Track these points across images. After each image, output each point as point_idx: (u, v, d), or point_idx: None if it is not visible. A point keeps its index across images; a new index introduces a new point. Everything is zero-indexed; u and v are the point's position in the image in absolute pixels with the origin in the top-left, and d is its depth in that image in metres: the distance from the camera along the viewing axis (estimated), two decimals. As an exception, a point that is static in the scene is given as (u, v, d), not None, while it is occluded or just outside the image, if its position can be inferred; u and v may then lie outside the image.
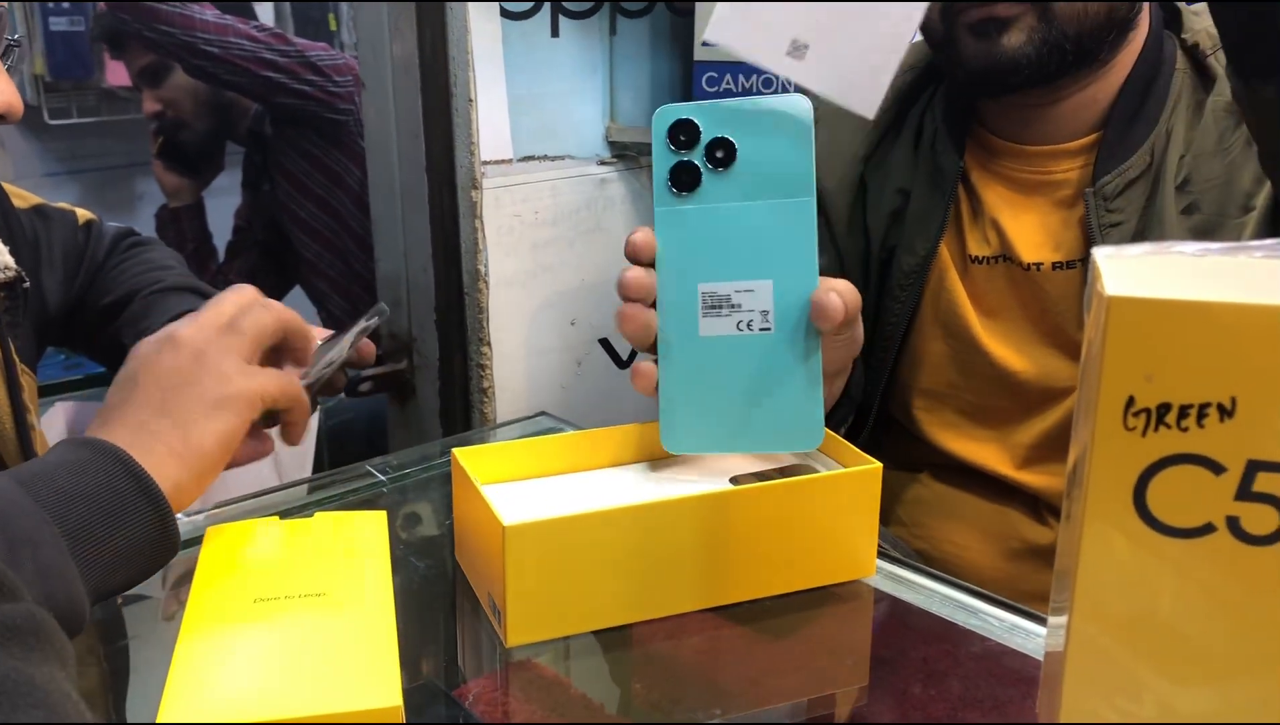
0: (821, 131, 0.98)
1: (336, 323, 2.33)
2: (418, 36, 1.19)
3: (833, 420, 0.78)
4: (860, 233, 1.01)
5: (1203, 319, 0.41)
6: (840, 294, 0.63)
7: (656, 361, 0.66)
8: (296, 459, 1.06)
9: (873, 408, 1.00)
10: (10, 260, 0.81)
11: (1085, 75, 0.87)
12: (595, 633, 0.62)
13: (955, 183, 0.93)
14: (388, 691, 0.51)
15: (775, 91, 1.27)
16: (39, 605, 0.45)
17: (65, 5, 2.51)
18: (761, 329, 0.65)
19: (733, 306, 0.65)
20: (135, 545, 0.55)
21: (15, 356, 0.83)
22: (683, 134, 0.65)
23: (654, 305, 0.66)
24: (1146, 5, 0.89)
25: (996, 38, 0.83)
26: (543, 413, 1.03)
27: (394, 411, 1.37)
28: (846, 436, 0.80)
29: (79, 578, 0.52)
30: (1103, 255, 0.46)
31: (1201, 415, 0.42)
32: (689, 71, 1.32)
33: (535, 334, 1.29)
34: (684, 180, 0.65)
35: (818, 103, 0.64)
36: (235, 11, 2.11)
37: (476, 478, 0.64)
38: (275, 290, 2.47)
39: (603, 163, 1.33)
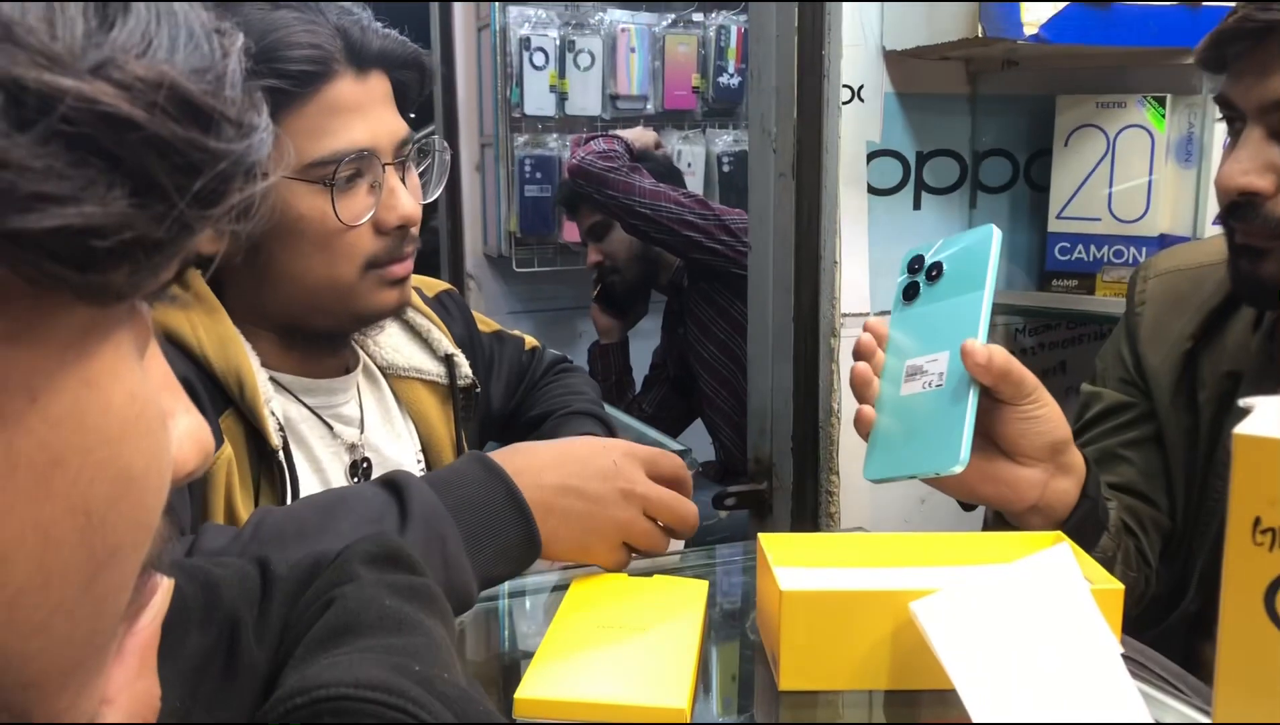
0: (1150, 311, 1.08)
1: (727, 453, 2.58)
2: (795, 208, 1.41)
3: (1084, 539, 0.87)
4: (1187, 410, 1.04)
5: (1315, 456, 0.51)
6: (989, 347, 0.81)
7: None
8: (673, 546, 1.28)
9: (1191, 582, 1.03)
10: (469, 372, 1.11)
11: None
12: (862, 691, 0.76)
13: None
14: (679, 696, 0.70)
15: (1124, 263, 1.36)
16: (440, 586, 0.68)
17: (538, 175, 3.05)
18: (935, 386, 0.83)
19: (923, 372, 0.84)
20: (508, 547, 0.79)
21: (466, 445, 1.12)
22: (915, 263, 0.88)
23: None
24: None
25: (1256, 263, 0.89)
26: (859, 527, 1.18)
27: (753, 526, 1.56)
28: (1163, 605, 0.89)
29: (470, 569, 0.75)
30: (1259, 400, 0.56)
31: (1319, 537, 0.51)
32: (1044, 240, 1.44)
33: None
34: (910, 293, 0.87)
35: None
36: (666, 179, 2.49)
37: (771, 557, 0.81)
38: (679, 421, 2.78)
39: (955, 320, 1.47)
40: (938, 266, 0.86)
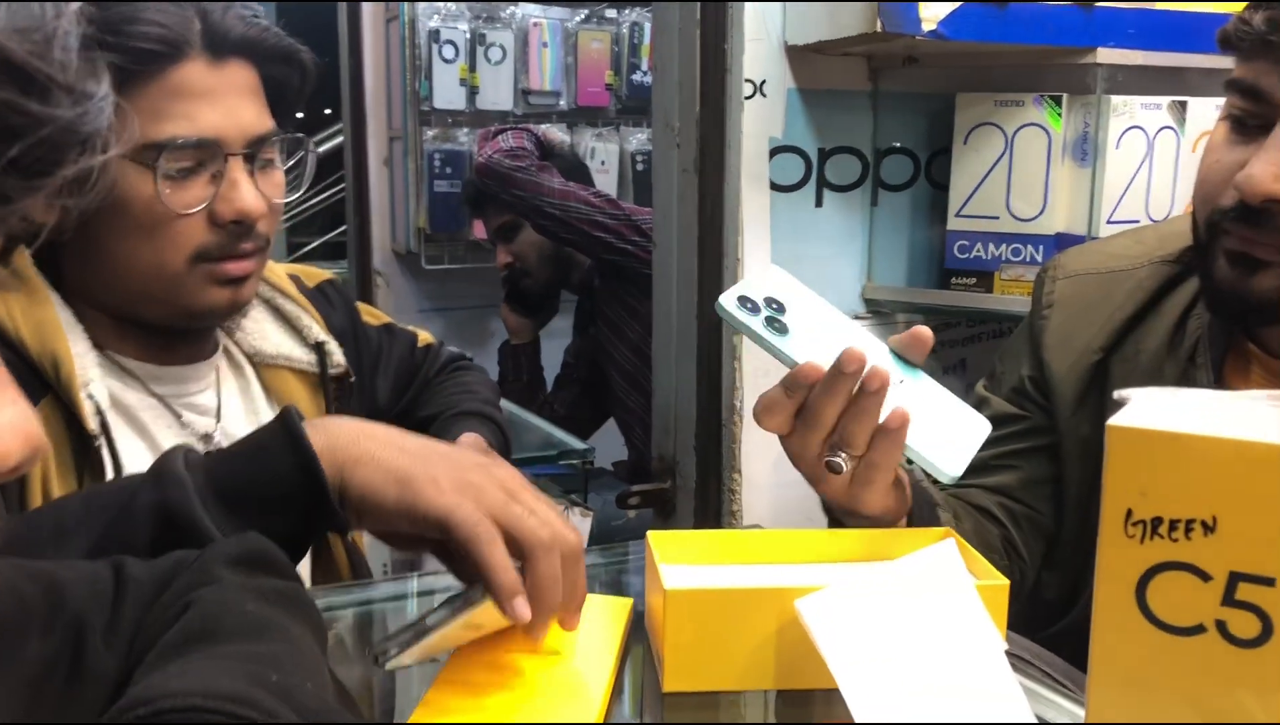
0: (1057, 315, 1.04)
1: (639, 453, 2.57)
2: (699, 203, 1.40)
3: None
4: (1094, 420, 1.01)
5: (1184, 448, 0.50)
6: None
7: None
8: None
9: (1085, 590, 1.02)
10: (342, 360, 1.07)
11: None
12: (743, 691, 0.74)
13: None
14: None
15: (1022, 261, 1.37)
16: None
17: (448, 170, 3.00)
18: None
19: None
20: (276, 482, 0.66)
21: None
22: (746, 303, 0.82)
23: None
24: None
25: (1249, 275, 0.82)
26: (757, 525, 1.17)
27: (657, 525, 1.54)
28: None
29: (208, 525, 0.63)
30: (1136, 392, 0.56)
31: (1189, 529, 0.51)
32: (943, 238, 1.44)
33: (784, 468, 1.43)
34: (777, 327, 0.81)
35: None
36: (576, 178, 2.46)
37: (658, 554, 0.79)
38: (591, 421, 2.76)
39: (858, 317, 1.47)
40: (774, 301, 0.81)
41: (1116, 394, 0.56)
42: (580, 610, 0.71)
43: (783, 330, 0.81)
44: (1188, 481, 0.50)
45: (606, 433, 2.75)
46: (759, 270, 0.85)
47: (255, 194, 0.91)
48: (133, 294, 0.92)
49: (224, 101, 0.89)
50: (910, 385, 0.82)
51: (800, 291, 0.84)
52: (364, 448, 0.67)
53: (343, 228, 3.34)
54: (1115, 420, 0.52)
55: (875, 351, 0.81)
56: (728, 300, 0.81)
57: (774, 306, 0.81)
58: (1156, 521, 0.51)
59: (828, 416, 0.78)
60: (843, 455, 0.80)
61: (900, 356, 0.83)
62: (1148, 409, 0.53)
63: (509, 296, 2.72)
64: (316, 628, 0.61)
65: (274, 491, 0.66)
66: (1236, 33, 0.83)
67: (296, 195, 0.98)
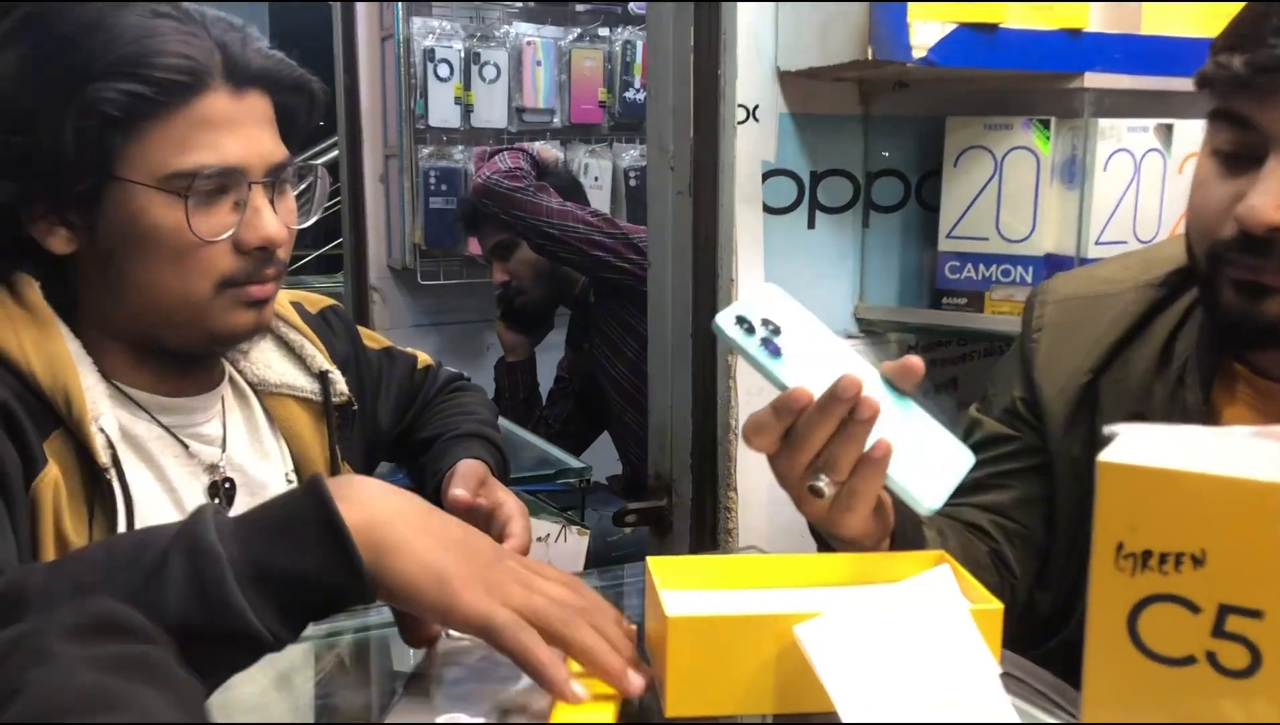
0: (1047, 338, 1.06)
1: (635, 468, 2.58)
2: (693, 225, 1.42)
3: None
4: (1084, 441, 1.02)
5: (1173, 484, 0.52)
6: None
7: None
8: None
9: (1076, 609, 1.04)
10: (345, 388, 1.09)
11: None
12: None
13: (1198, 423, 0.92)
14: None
15: (1012, 282, 1.39)
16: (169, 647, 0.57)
17: (443, 187, 3.02)
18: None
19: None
20: (307, 562, 0.65)
21: (341, 462, 1.09)
22: (742, 323, 0.83)
23: None
24: None
25: (1258, 301, 0.83)
26: (753, 546, 1.18)
27: (653, 542, 1.56)
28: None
29: (243, 603, 0.63)
30: (1124, 427, 0.57)
31: (1178, 562, 0.52)
32: (934, 259, 1.46)
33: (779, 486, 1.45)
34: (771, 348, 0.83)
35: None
36: (571, 195, 2.48)
37: (658, 580, 0.80)
38: (585, 435, 2.77)
39: (850, 337, 1.49)
40: (770, 322, 0.82)
41: (1106, 429, 0.57)
42: (633, 659, 0.73)
43: (777, 352, 0.82)
44: (1177, 516, 0.52)
45: (600, 447, 2.76)
46: (756, 288, 0.85)
47: (278, 221, 0.93)
48: (157, 321, 0.93)
49: (245, 130, 0.90)
50: (898, 413, 0.84)
51: (796, 312, 0.85)
52: (400, 534, 0.67)
53: (337, 241, 3.35)
54: (1105, 456, 0.53)
55: (866, 377, 0.83)
56: (724, 320, 0.82)
57: (769, 327, 0.83)
58: (1147, 555, 0.53)
59: (815, 441, 0.80)
60: (825, 480, 0.81)
61: (890, 384, 0.85)
62: (1137, 444, 0.55)
63: (504, 314, 2.73)
64: (180, 692, 0.55)
65: (309, 576, 0.66)
66: (1215, 75, 0.84)
67: (308, 222, 0.99)
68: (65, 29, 0.86)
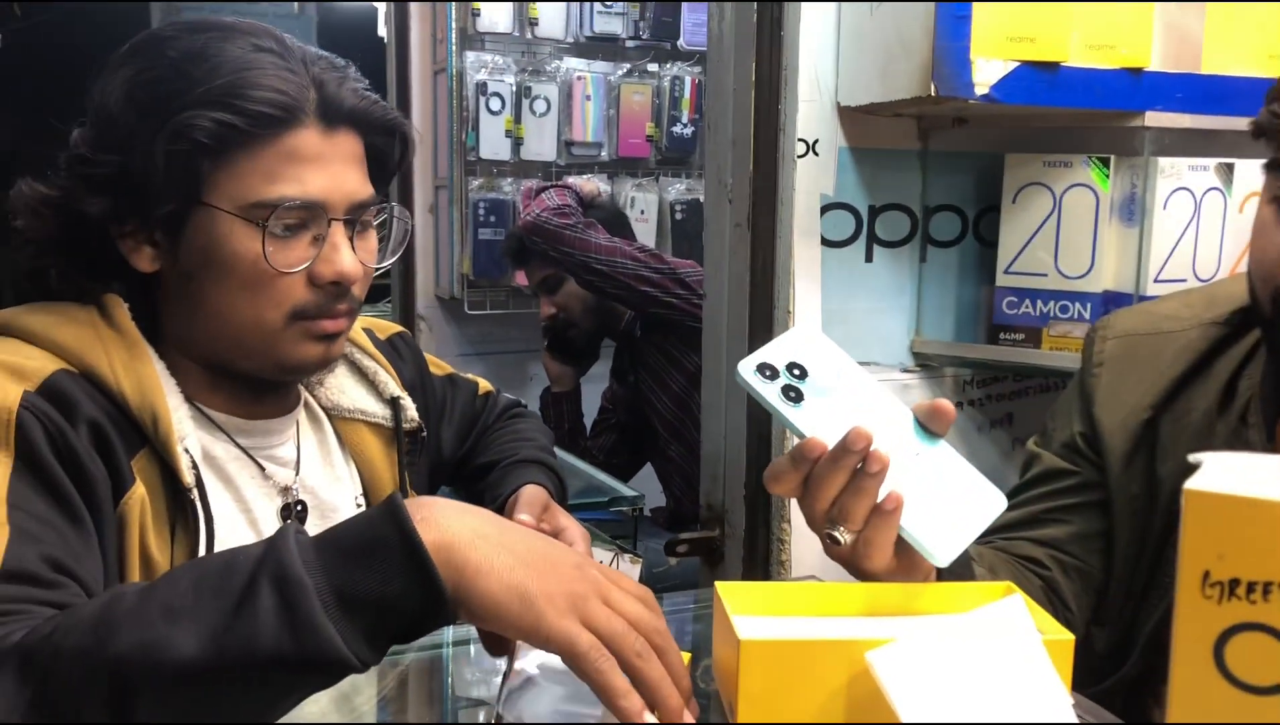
0: (1107, 374, 1.06)
1: (677, 500, 2.58)
2: (750, 257, 1.43)
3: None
4: (1143, 478, 1.03)
5: (1261, 513, 0.52)
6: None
7: None
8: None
9: (1136, 647, 1.03)
10: (415, 415, 1.10)
11: None
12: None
13: None
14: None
15: (1070, 318, 1.39)
16: None
17: (492, 219, 3.05)
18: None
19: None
20: (387, 587, 0.65)
21: (410, 488, 1.11)
22: (766, 371, 0.82)
23: None
24: None
25: None
26: (812, 576, 1.18)
27: (704, 573, 1.56)
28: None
29: (329, 628, 0.63)
30: (1210, 457, 0.58)
31: (1266, 591, 0.53)
32: (992, 295, 1.47)
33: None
34: (792, 395, 0.82)
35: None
36: (615, 227, 2.51)
37: (729, 605, 0.81)
38: (628, 467, 2.78)
39: (906, 371, 1.49)
40: (797, 366, 0.82)
41: (1191, 457, 0.58)
42: (688, 692, 0.73)
43: (798, 398, 0.81)
44: (1265, 544, 0.52)
45: (642, 479, 2.76)
46: (796, 329, 0.85)
47: (354, 258, 0.94)
48: (230, 346, 0.95)
49: (331, 167, 0.92)
50: (926, 458, 0.83)
51: (829, 354, 0.84)
52: (480, 554, 0.67)
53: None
54: (1192, 484, 0.54)
55: (899, 419, 0.83)
56: (746, 368, 0.82)
57: (795, 373, 0.82)
58: (1234, 583, 0.53)
59: (829, 491, 0.80)
60: (841, 529, 0.82)
61: (923, 426, 0.84)
62: (1223, 473, 0.55)
63: (551, 345, 2.75)
64: None
65: (393, 601, 0.65)
66: (1269, 125, 0.87)
67: (386, 263, 1.00)
68: (171, 56, 0.90)
